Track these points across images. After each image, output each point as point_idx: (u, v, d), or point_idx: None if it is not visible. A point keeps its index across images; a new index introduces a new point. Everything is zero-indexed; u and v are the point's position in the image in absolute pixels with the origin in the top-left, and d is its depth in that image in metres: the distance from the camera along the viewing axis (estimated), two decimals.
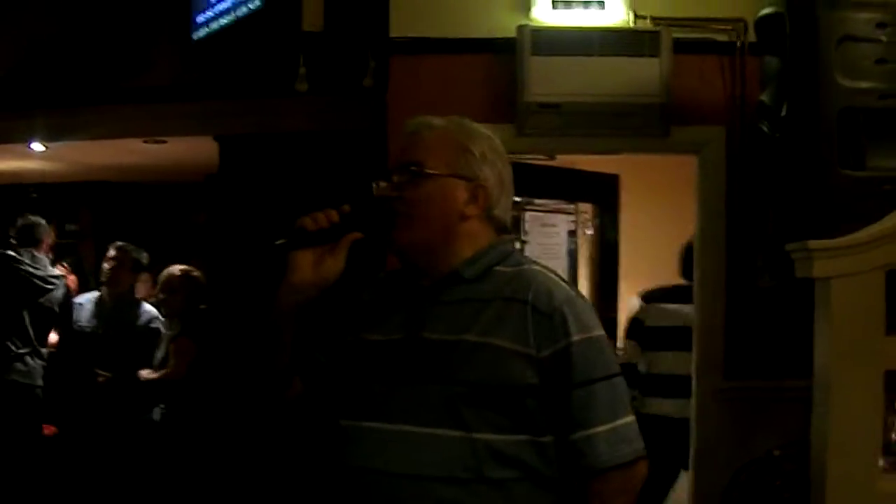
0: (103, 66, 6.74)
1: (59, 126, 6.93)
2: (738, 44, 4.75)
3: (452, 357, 2.00)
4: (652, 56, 4.55)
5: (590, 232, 5.34)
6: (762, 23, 3.89)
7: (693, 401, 4.91)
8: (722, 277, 4.81)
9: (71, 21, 6.87)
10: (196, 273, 5.99)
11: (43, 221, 6.47)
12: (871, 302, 3.23)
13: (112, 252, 6.10)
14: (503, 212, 2.17)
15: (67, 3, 6.90)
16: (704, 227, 4.87)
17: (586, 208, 5.39)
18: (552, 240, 5.21)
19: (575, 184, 5.22)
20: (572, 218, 5.41)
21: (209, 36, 6.04)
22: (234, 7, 5.76)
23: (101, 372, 5.80)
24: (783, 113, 3.63)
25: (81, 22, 6.82)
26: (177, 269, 5.98)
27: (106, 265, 6.08)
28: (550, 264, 4.59)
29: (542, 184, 5.12)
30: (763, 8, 3.94)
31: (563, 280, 2.14)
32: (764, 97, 3.86)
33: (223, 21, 5.88)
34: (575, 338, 2.00)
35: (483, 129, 2.19)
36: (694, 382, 4.90)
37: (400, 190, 2.09)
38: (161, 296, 5.97)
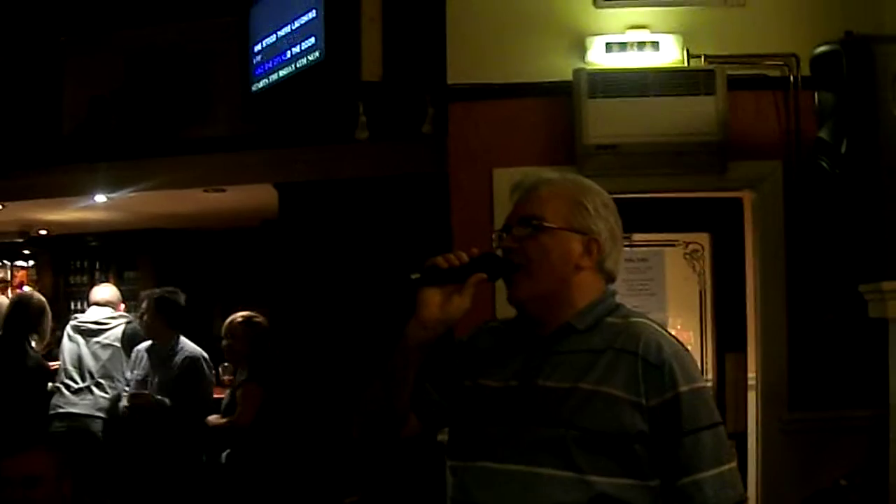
0: (164, 118, 6.93)
1: (122, 178, 7.11)
2: (791, 78, 4.77)
3: (567, 403, 2.11)
4: (707, 94, 4.58)
5: (699, 266, 5.16)
6: (818, 60, 3.95)
7: (758, 432, 4.93)
8: (783, 310, 4.81)
9: (132, 76, 7.05)
10: (258, 319, 6.07)
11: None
12: None
13: (142, 305, 6.30)
14: (614, 264, 2.30)
15: (129, 59, 7.09)
16: (764, 259, 4.88)
17: (698, 238, 5.19)
18: (641, 276, 5.09)
19: (681, 213, 5.04)
20: (679, 250, 5.21)
21: (268, 87, 6.18)
22: (294, 59, 5.89)
23: (142, 392, 5.98)
24: (843, 150, 3.68)
25: (142, 77, 7.00)
26: (239, 315, 6.07)
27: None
28: (641, 302, 4.48)
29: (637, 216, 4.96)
30: (813, 43, 4.01)
31: (669, 333, 2.24)
32: (823, 134, 3.89)
33: (282, 73, 6.02)
34: (683, 388, 2.11)
35: (595, 185, 2.32)
36: (758, 414, 4.91)
37: (520, 242, 2.23)
38: (224, 342, 6.07)
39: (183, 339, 6.24)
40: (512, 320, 2.34)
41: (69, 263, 10.42)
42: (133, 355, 6.31)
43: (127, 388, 6.29)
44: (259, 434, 5.72)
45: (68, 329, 6.81)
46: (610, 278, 2.30)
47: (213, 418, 5.94)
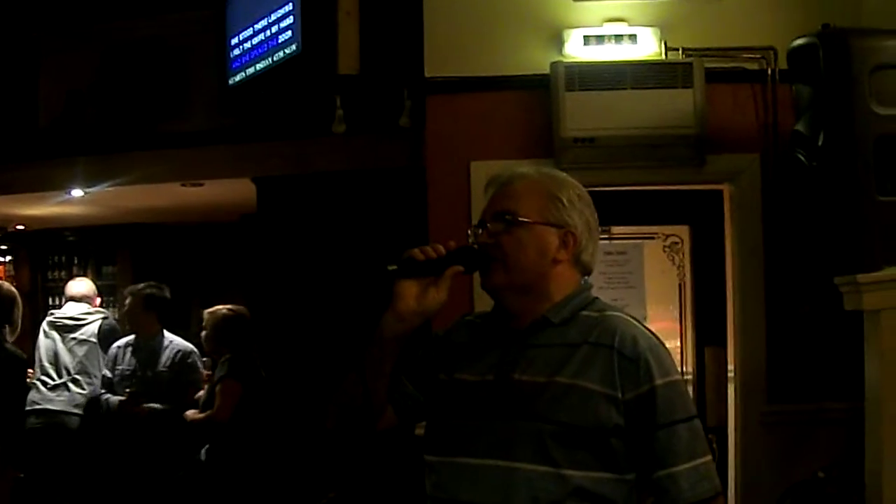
0: (141, 112, 6.89)
1: (99, 172, 7.06)
2: (769, 71, 4.79)
3: (543, 397, 2.11)
4: (685, 87, 4.60)
5: (679, 258, 5.15)
6: (795, 53, 3.94)
7: (737, 425, 4.93)
8: (761, 303, 4.83)
9: (109, 70, 7.01)
10: (223, 310, 6.00)
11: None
12: None
13: (126, 299, 6.29)
14: (590, 256, 2.28)
15: (105, 52, 7.05)
16: (742, 252, 4.90)
17: (678, 231, 5.19)
18: (620, 269, 5.06)
19: (660, 205, 5.05)
20: (658, 243, 5.20)
21: (245, 81, 6.15)
22: (271, 52, 5.87)
23: (144, 403, 5.93)
24: (820, 142, 3.67)
25: (119, 70, 6.96)
26: (213, 308, 6.05)
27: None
28: (620, 295, 4.48)
29: (616, 208, 4.93)
30: (791, 36, 4.00)
31: (644, 326, 2.23)
32: (800, 126, 3.89)
33: (259, 66, 5.99)
34: (658, 382, 2.10)
35: (570, 178, 2.31)
36: (737, 406, 4.92)
37: (495, 237, 2.22)
38: (202, 334, 6.06)
39: (167, 333, 6.23)
40: (488, 314, 2.34)
41: (47, 258, 10.32)
42: (112, 352, 6.25)
43: (103, 388, 6.23)
44: (238, 430, 5.69)
45: (44, 325, 6.77)
46: (586, 271, 2.30)
47: (190, 413, 5.91)
